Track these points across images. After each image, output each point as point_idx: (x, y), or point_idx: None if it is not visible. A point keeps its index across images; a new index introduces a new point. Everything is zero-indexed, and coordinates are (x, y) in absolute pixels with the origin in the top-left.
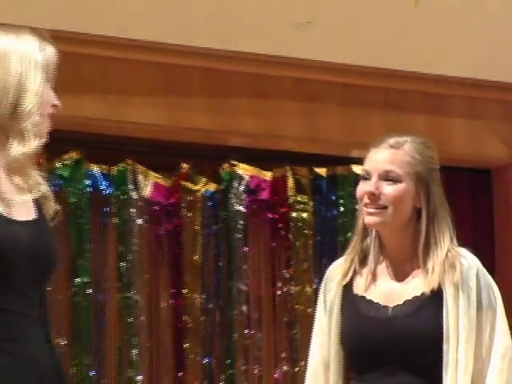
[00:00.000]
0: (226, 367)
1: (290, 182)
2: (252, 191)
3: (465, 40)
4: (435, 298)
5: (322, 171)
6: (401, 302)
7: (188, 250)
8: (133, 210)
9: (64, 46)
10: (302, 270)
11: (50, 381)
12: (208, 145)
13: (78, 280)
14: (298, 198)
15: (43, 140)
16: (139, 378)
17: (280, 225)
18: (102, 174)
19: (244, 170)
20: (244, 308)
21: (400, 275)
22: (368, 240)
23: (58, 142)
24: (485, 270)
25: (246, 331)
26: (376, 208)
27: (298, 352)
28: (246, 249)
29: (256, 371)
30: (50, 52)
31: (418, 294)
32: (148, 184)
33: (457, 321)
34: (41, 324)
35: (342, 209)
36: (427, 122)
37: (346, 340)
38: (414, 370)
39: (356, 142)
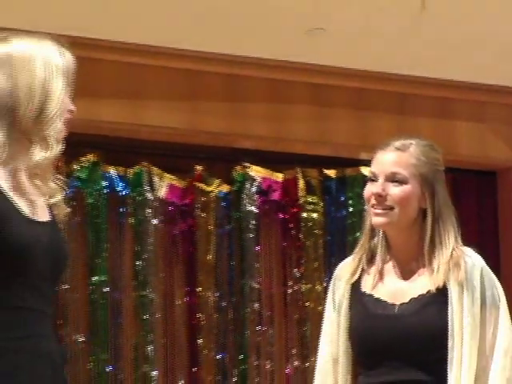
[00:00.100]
0: (238, 363)
1: (301, 184)
2: (264, 192)
3: (471, 45)
4: (440, 296)
5: (331, 173)
6: (407, 300)
7: (202, 249)
8: (148, 211)
9: (81, 52)
10: (312, 268)
11: (62, 376)
12: (221, 147)
13: (95, 278)
14: (309, 199)
15: (61, 145)
16: (154, 373)
17: (291, 225)
18: (119, 175)
19: (256, 171)
20: (256, 305)
21: (406, 274)
22: (375, 240)
23: (75, 145)
24: (489, 269)
25: (258, 328)
26: (383, 209)
27: (308, 348)
28: (257, 248)
29: (268, 366)
30: (69, 58)
31: (424, 292)
32: (163, 185)
33: (461, 318)
34: (53, 321)
35: (350, 209)
36: (434, 125)
37: (354, 337)
38: (419, 366)
39: (364, 145)
